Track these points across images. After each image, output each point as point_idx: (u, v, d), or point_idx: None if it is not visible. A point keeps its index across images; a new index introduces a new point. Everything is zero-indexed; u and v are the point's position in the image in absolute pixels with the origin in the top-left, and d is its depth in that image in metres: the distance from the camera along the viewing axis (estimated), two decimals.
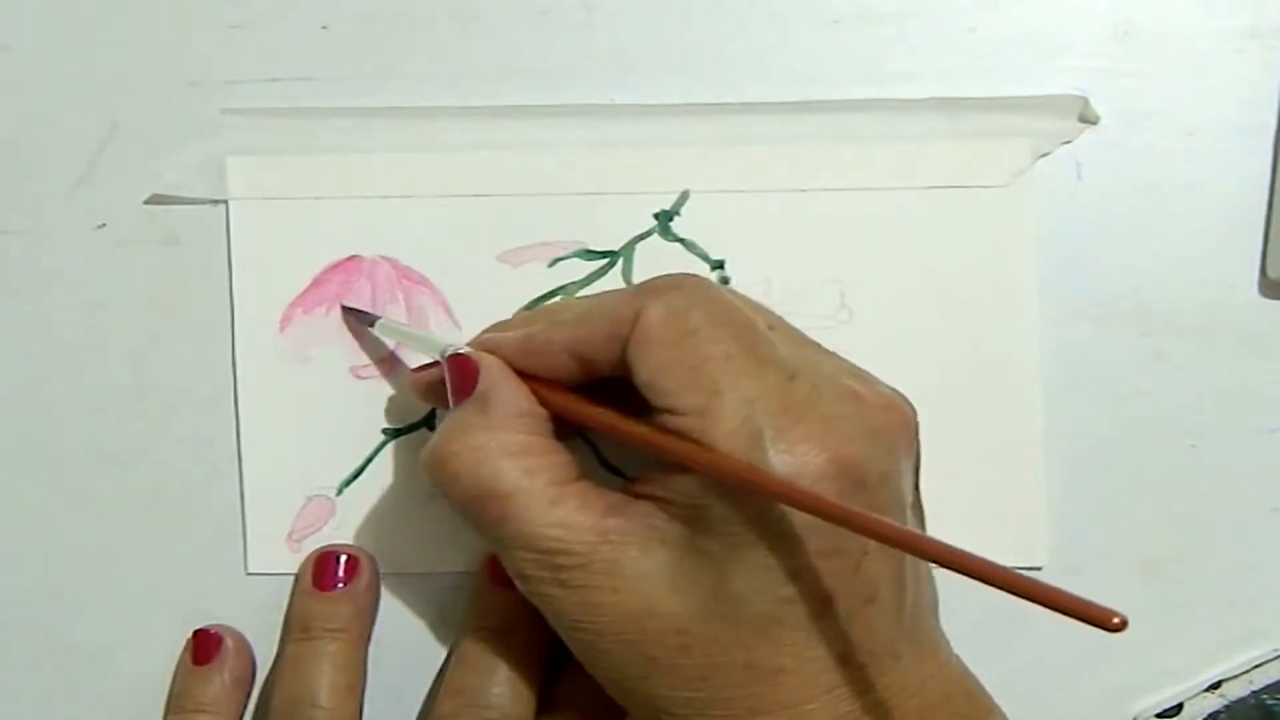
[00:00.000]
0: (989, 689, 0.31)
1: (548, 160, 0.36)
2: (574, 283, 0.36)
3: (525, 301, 0.36)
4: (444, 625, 0.37)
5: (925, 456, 0.31)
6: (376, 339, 0.36)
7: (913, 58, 0.36)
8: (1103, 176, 0.36)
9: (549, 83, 0.36)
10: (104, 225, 0.37)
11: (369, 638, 0.36)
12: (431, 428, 0.36)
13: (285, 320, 0.36)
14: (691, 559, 0.28)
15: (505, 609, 0.34)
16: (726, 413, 0.27)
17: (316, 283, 0.36)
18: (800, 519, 0.27)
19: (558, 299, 0.36)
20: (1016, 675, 0.35)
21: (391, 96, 0.36)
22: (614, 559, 0.29)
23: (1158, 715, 0.36)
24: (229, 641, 0.36)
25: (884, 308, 0.36)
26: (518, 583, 0.30)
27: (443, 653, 0.37)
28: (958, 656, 0.31)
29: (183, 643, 0.36)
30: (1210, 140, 0.36)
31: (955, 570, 0.24)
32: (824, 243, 0.36)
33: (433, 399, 0.34)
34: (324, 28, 0.36)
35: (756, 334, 0.29)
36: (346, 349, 0.36)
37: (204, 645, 0.36)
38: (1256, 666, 0.36)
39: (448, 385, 0.32)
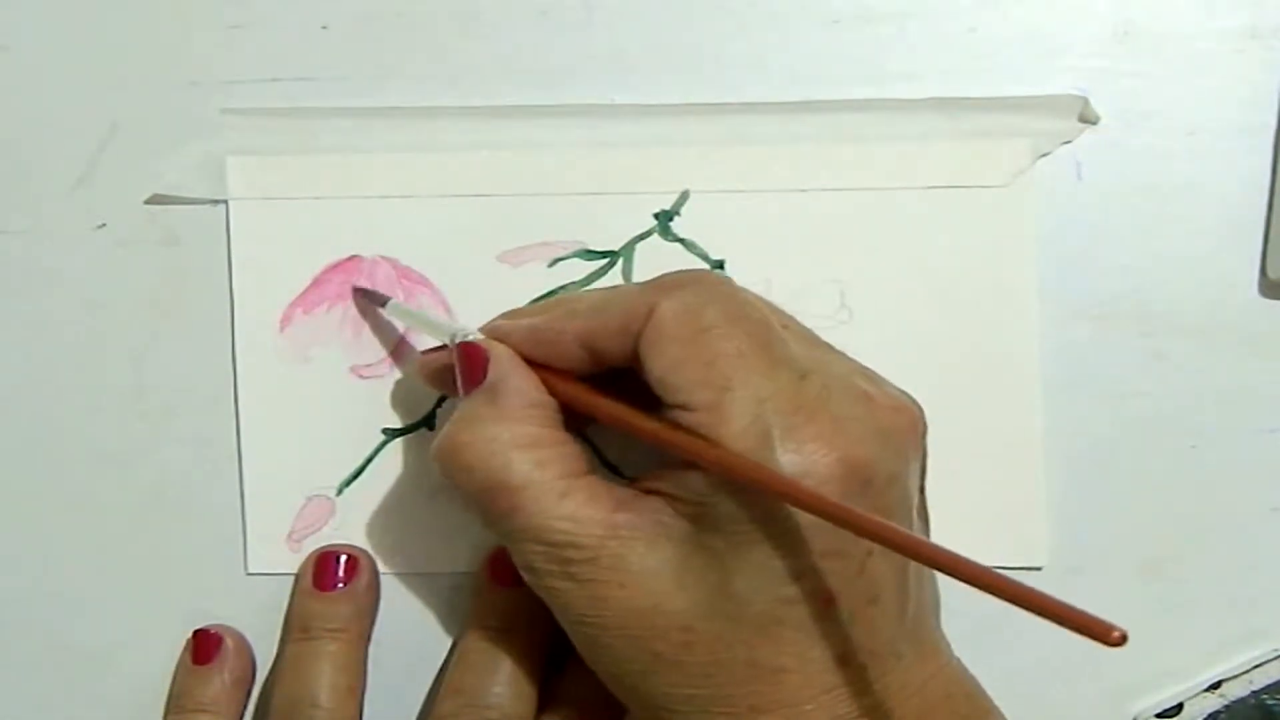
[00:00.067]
0: (989, 689, 0.31)
1: (548, 160, 0.36)
2: (574, 283, 0.36)
3: (525, 302, 0.36)
4: (444, 625, 0.37)
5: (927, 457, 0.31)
6: (385, 323, 0.36)
7: (913, 58, 0.36)
8: (1103, 176, 0.36)
9: (549, 83, 0.36)
10: (104, 225, 0.37)
11: (369, 638, 0.36)
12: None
13: (285, 320, 0.36)
14: (698, 556, 0.28)
15: (506, 608, 0.34)
16: (737, 410, 0.27)
17: (316, 283, 0.36)
18: (805, 519, 0.27)
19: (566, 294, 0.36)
20: (1017, 675, 0.35)
21: (391, 96, 0.36)
22: (621, 554, 0.29)
23: (1158, 715, 0.36)
24: (229, 641, 0.36)
25: (884, 308, 0.36)
26: (525, 575, 0.30)
27: (443, 653, 0.37)
28: (958, 658, 0.31)
29: (183, 643, 0.36)
30: (1210, 140, 0.36)
31: (957, 577, 0.24)
32: (824, 243, 0.36)
33: (440, 385, 0.34)
34: (324, 28, 0.36)
35: (770, 332, 0.29)
36: (346, 349, 0.36)
37: (204, 645, 0.36)
38: (1256, 666, 0.36)
39: (457, 372, 0.32)
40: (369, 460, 0.36)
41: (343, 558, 0.35)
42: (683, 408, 0.28)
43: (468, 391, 0.31)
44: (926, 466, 0.31)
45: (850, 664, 0.28)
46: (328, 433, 0.36)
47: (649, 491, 0.29)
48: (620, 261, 0.36)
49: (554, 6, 0.36)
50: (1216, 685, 0.36)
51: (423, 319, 0.35)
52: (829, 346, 0.31)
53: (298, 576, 0.36)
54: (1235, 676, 0.36)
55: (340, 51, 0.36)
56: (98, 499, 0.37)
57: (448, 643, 0.37)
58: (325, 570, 0.35)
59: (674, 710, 0.29)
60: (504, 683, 0.33)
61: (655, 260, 0.36)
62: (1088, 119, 0.36)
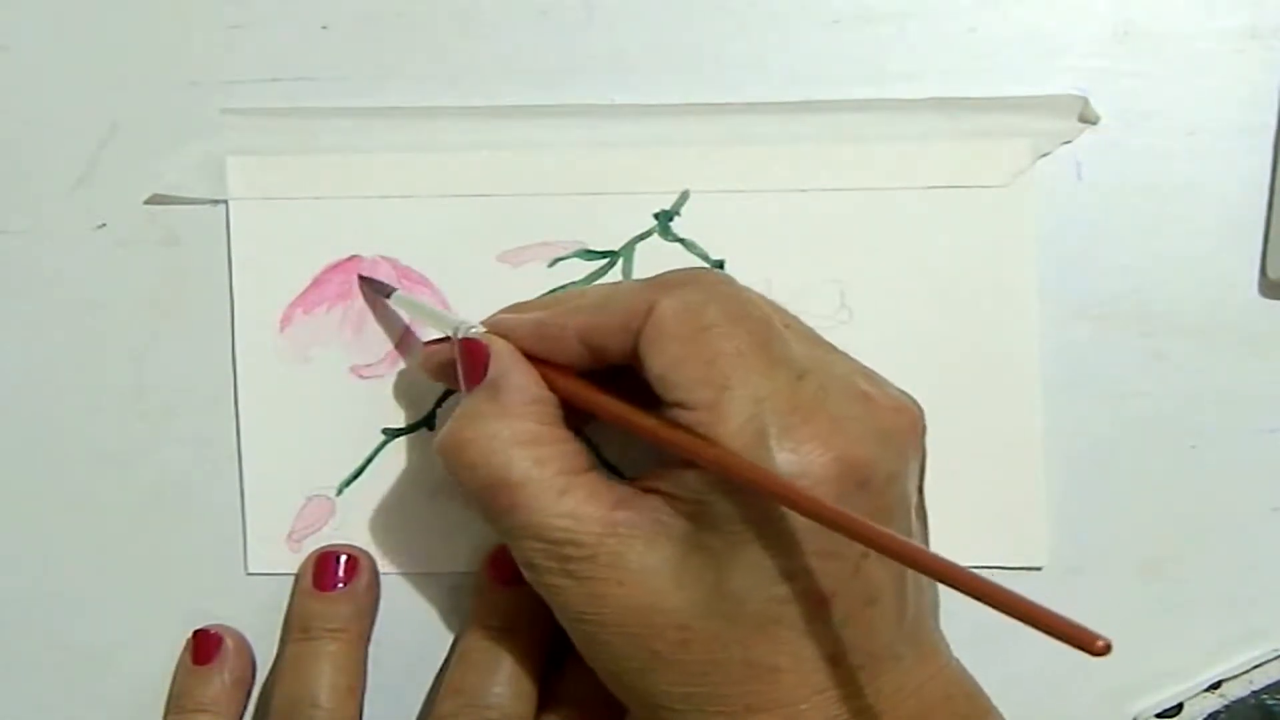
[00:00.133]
0: (989, 690, 0.31)
1: (548, 160, 0.36)
2: (574, 283, 0.36)
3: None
4: (444, 625, 0.37)
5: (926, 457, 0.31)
6: (390, 314, 0.36)
7: (913, 58, 0.36)
8: (1103, 176, 0.36)
9: (549, 83, 0.36)
10: (104, 225, 0.37)
11: (369, 638, 0.36)
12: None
13: (285, 320, 0.36)
14: (695, 555, 0.28)
15: (506, 608, 0.34)
16: (734, 409, 0.27)
17: (316, 283, 0.36)
18: (802, 519, 0.27)
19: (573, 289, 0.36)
20: (1016, 676, 0.35)
21: (391, 96, 0.36)
22: (620, 552, 0.29)
23: (1158, 715, 0.36)
24: (229, 641, 0.36)
25: (884, 308, 0.36)
26: (525, 572, 0.30)
27: (443, 653, 0.37)
28: (957, 658, 0.31)
29: (183, 643, 0.36)
30: (1210, 140, 0.36)
31: (943, 581, 0.25)
32: (824, 243, 0.36)
33: (442, 377, 0.34)
34: (324, 28, 0.36)
35: (771, 331, 0.29)
36: (346, 349, 0.36)
37: (204, 645, 0.36)
38: (1256, 666, 0.36)
39: (459, 367, 0.32)
40: (369, 460, 0.36)
41: (343, 558, 0.35)
42: (681, 406, 0.28)
43: (469, 387, 0.31)
44: (926, 467, 0.31)
45: (847, 664, 0.28)
46: (328, 433, 0.36)
47: (648, 490, 0.29)
48: (620, 261, 0.36)
49: (554, 6, 0.36)
50: (1216, 685, 0.36)
51: (427, 310, 0.35)
52: (831, 346, 0.31)
53: (298, 576, 0.36)
54: (1235, 676, 0.36)
55: (340, 51, 0.36)
56: (98, 499, 0.37)
57: (448, 643, 0.37)
58: (325, 570, 0.35)
59: (672, 709, 0.29)
60: (504, 682, 0.33)
61: (655, 260, 0.36)
62: (1088, 119, 0.36)
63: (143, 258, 0.37)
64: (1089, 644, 0.22)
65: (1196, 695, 0.36)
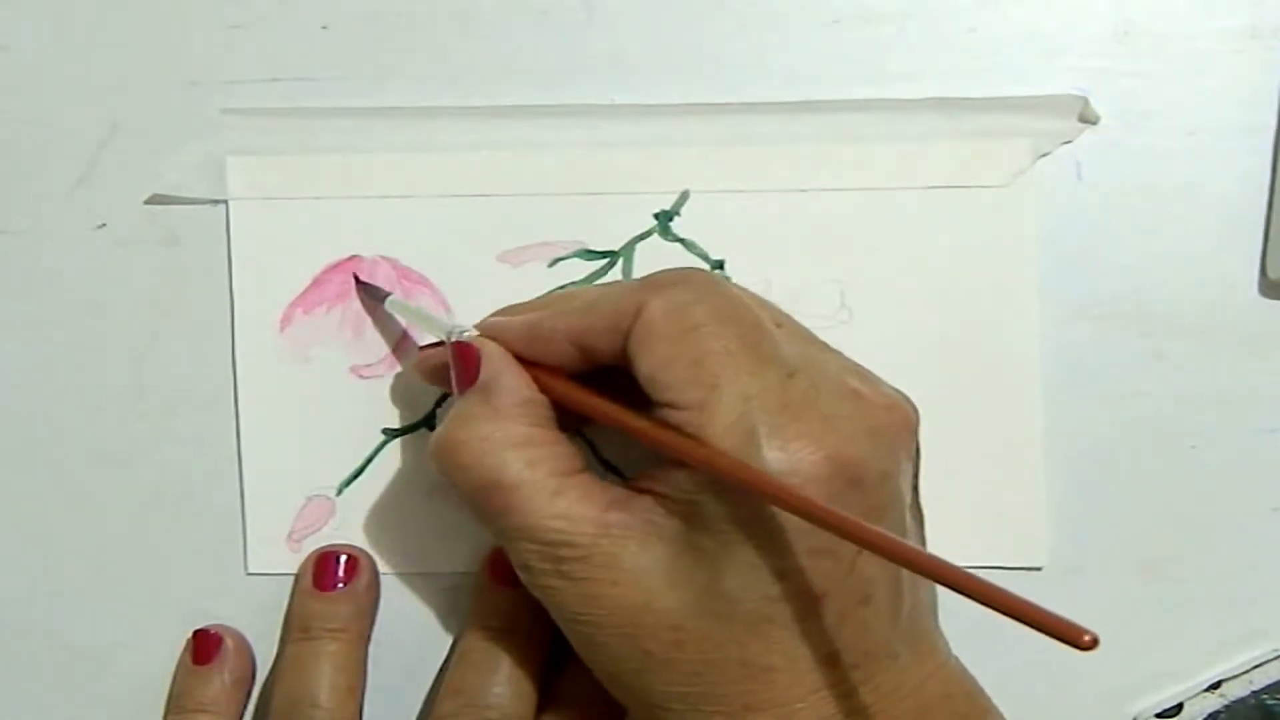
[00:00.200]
0: (988, 689, 0.31)
1: (548, 160, 0.36)
2: (574, 283, 0.36)
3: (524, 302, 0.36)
4: (444, 625, 0.37)
5: (925, 456, 0.31)
6: (387, 318, 0.36)
7: (913, 58, 0.36)
8: (1103, 176, 0.36)
9: (549, 83, 0.36)
10: (104, 225, 0.37)
11: (369, 638, 0.36)
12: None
13: (285, 320, 0.36)
14: (687, 555, 0.28)
15: (506, 608, 0.34)
16: (723, 408, 0.27)
17: (316, 283, 0.36)
18: (793, 518, 0.27)
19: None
20: (1016, 675, 0.35)
21: (391, 96, 0.36)
22: (613, 552, 0.29)
23: (1158, 715, 0.36)
24: (229, 641, 0.36)
25: (884, 308, 0.36)
26: (521, 574, 0.30)
27: (443, 653, 0.37)
28: (957, 657, 0.31)
29: (183, 643, 0.36)
30: (1210, 140, 0.36)
31: (933, 578, 0.25)
32: (824, 243, 0.36)
33: (438, 381, 0.34)
34: (324, 28, 0.36)
35: (760, 330, 0.29)
36: (346, 349, 0.36)
37: (204, 645, 0.36)
38: (1256, 666, 0.36)
39: (451, 370, 0.32)
40: (369, 460, 0.36)
41: (343, 558, 0.35)
42: (671, 406, 0.28)
43: (462, 390, 0.31)
44: (920, 465, 0.31)
45: (842, 663, 0.28)
46: (328, 433, 0.36)
47: (641, 490, 0.29)
48: (620, 261, 0.36)
49: (554, 6, 0.36)
50: (1216, 685, 0.36)
51: (419, 314, 0.35)
52: (823, 345, 0.31)
53: (298, 576, 0.36)
54: (1235, 676, 0.36)
55: (340, 51, 0.36)
56: (98, 499, 0.37)
57: (448, 643, 0.37)
58: (325, 570, 0.35)
59: (669, 709, 0.29)
60: (504, 682, 0.33)
61: (655, 260, 0.36)
62: (1088, 119, 0.36)
63: (143, 258, 0.37)
64: (1076, 638, 0.22)
65: (1196, 695, 0.36)
